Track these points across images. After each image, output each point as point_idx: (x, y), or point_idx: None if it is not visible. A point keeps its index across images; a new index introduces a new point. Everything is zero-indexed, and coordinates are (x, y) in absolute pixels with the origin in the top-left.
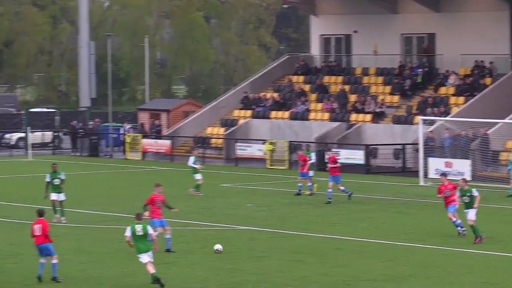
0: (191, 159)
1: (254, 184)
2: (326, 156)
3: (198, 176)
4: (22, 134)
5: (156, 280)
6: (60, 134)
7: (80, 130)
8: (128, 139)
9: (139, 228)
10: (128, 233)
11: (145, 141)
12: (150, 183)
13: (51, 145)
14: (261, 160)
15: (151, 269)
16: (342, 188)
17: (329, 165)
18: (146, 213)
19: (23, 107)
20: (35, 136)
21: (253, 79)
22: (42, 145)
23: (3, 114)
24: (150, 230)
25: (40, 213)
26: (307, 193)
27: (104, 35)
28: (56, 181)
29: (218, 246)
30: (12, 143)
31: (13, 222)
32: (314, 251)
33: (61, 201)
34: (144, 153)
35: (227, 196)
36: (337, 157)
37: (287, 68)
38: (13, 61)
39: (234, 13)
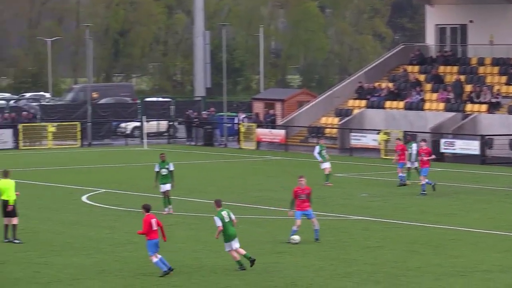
0: (317, 149)
1: (368, 174)
2: (420, 148)
3: (325, 165)
4: (138, 123)
5: (251, 261)
6: (175, 123)
7: (195, 120)
8: (242, 129)
9: (225, 214)
10: (219, 222)
11: (260, 130)
12: (264, 172)
13: (166, 134)
14: (375, 150)
15: (242, 251)
16: (426, 180)
17: (423, 158)
18: (290, 212)
19: (138, 96)
20: (150, 126)
21: (368, 69)
22: (157, 135)
23: (119, 103)
24: (232, 215)
25: (148, 208)
26: (408, 183)
27: (219, 24)
28: (164, 171)
29: (296, 238)
30: (128, 132)
31: (129, 211)
32: (428, 242)
33: (167, 191)
34: (259, 142)
35: (341, 186)
36: (431, 150)
37: (402, 58)
38: (129, 50)
39: (349, 2)
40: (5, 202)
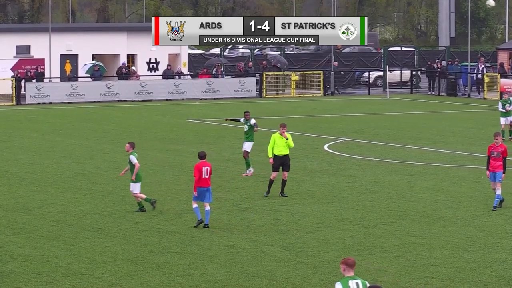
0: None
1: None
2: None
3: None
4: (380, 73)
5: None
6: (418, 73)
7: (438, 69)
8: (486, 79)
9: None
10: None
11: (504, 81)
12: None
13: (408, 84)
14: None
15: None
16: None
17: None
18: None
19: (382, 45)
20: (393, 75)
21: None
22: (400, 84)
23: (363, 53)
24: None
25: (202, 156)
26: None
27: None
28: (246, 127)
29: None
30: (370, 81)
31: (370, 160)
32: None
33: (245, 151)
34: (502, 93)
35: None
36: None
37: None
38: (374, 0)
39: None
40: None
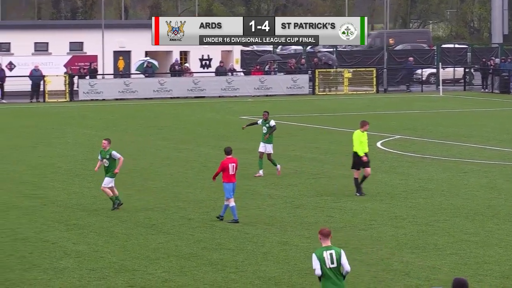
0: None
1: None
2: None
3: None
4: (433, 70)
5: None
6: (472, 70)
7: (491, 67)
8: None
9: None
10: None
11: None
12: None
13: (462, 81)
14: None
15: None
16: None
17: None
18: None
19: (435, 42)
20: (446, 72)
21: None
22: (453, 81)
23: (416, 50)
24: None
25: (229, 151)
26: None
27: None
28: (264, 129)
29: None
30: (423, 78)
31: (423, 157)
32: None
33: (268, 154)
34: None
35: None
36: None
37: None
38: None
39: None
40: (357, 154)
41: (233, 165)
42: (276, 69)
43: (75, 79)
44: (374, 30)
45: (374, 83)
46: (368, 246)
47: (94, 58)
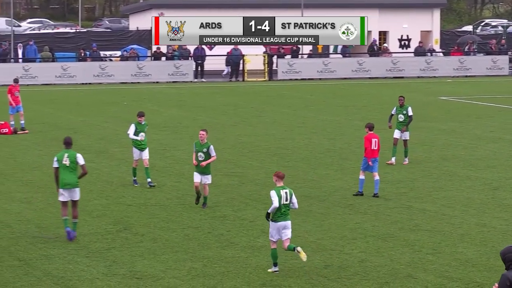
0: None
1: None
2: None
3: None
4: None
5: None
6: None
7: None
8: None
9: None
10: None
11: None
12: None
13: None
14: None
15: None
16: None
17: None
18: None
19: None
20: None
21: None
22: None
23: None
24: None
25: (371, 127)
26: None
27: None
28: (401, 117)
29: None
30: None
31: None
32: None
33: (405, 140)
34: None
35: None
36: None
37: None
38: None
39: None
40: None
41: (375, 141)
42: (476, 50)
43: (274, 58)
44: None
45: None
46: None
47: None
